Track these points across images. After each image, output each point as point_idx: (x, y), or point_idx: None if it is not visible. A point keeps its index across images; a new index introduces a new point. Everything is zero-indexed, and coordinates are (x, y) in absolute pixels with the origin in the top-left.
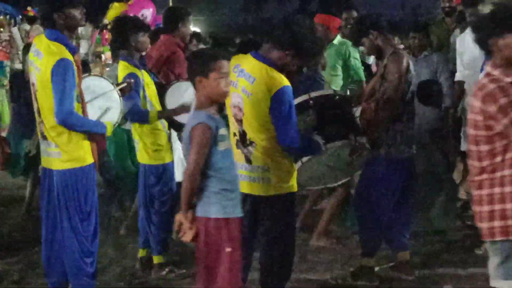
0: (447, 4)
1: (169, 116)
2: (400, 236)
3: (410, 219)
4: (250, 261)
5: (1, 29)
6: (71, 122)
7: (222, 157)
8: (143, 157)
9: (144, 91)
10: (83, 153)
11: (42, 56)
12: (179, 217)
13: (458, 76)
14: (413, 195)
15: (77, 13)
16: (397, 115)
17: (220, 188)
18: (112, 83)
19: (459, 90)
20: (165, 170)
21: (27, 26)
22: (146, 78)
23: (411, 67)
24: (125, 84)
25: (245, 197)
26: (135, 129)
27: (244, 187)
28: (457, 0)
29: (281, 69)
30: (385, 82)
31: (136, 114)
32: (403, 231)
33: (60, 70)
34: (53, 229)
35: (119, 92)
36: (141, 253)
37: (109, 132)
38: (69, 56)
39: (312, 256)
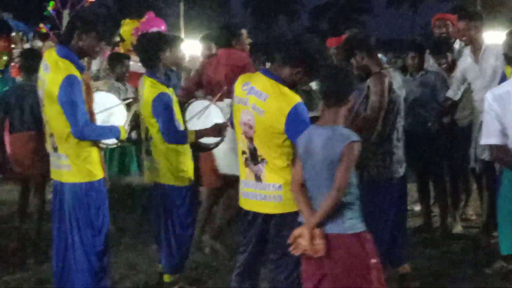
0: (443, 30)
1: (204, 136)
2: (400, 251)
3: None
4: (258, 279)
5: (14, 46)
6: (89, 133)
7: (354, 172)
8: (166, 177)
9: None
10: (92, 168)
11: (49, 72)
12: (304, 231)
13: (450, 93)
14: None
15: (95, 42)
16: (385, 135)
17: (357, 202)
18: (119, 98)
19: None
20: (189, 192)
21: (39, 43)
22: (173, 97)
23: (395, 86)
24: (130, 100)
25: (256, 216)
26: (156, 147)
27: (254, 206)
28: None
29: (291, 86)
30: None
31: (176, 134)
32: (403, 247)
33: (67, 87)
34: (63, 243)
35: (125, 106)
36: (160, 268)
37: (123, 136)
38: (76, 73)
39: None
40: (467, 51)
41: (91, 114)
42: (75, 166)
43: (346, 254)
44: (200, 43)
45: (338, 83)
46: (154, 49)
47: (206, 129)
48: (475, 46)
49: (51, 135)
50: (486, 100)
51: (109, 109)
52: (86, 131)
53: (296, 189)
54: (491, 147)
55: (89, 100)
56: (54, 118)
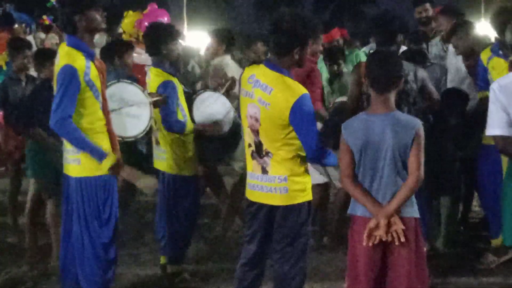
0: (424, 15)
1: (202, 131)
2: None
3: None
4: (263, 270)
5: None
6: (62, 130)
7: None
8: (171, 167)
9: (178, 99)
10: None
11: (58, 62)
12: (380, 221)
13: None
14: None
15: (98, 15)
16: None
17: None
18: (144, 92)
19: None
20: (193, 182)
21: (42, 35)
22: (179, 86)
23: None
24: (159, 98)
25: (260, 207)
26: (163, 137)
27: (260, 197)
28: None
29: (300, 65)
30: None
31: (175, 123)
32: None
33: (61, 76)
34: (70, 235)
35: (152, 105)
36: (162, 260)
37: (104, 166)
38: (79, 63)
39: (325, 266)
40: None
41: (105, 100)
42: (85, 160)
43: (414, 237)
44: (212, 38)
45: (388, 69)
46: (158, 39)
47: (205, 124)
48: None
49: None
50: (492, 90)
51: (137, 104)
52: (60, 126)
53: (351, 181)
54: (496, 138)
55: (103, 87)
56: None
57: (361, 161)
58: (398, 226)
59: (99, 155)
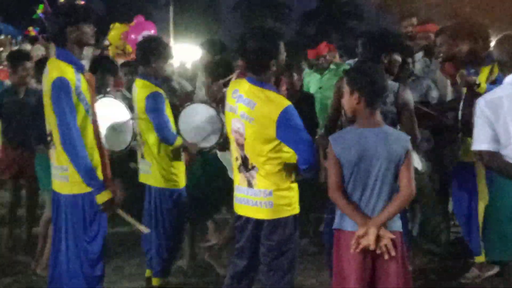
0: (410, 29)
1: (185, 149)
2: None
3: None
4: (252, 282)
5: (2, 49)
6: (68, 147)
7: None
8: (157, 180)
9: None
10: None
11: (47, 75)
12: (370, 231)
13: None
14: None
15: (89, 29)
16: None
17: None
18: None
19: None
20: (181, 195)
21: (28, 46)
22: (166, 98)
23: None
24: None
25: (248, 221)
26: (148, 151)
27: (246, 211)
28: (420, 28)
29: (279, 76)
30: None
31: (167, 132)
32: None
33: (55, 89)
34: (58, 250)
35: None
36: (148, 273)
37: (100, 200)
38: (70, 75)
39: (310, 278)
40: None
41: (95, 114)
42: (73, 177)
43: (401, 251)
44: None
45: (381, 85)
46: (152, 51)
47: (192, 143)
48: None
49: (53, 144)
50: (478, 106)
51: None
52: (67, 133)
53: (340, 195)
54: (481, 153)
55: (93, 101)
56: (52, 125)
57: (353, 174)
58: (388, 238)
59: (90, 178)
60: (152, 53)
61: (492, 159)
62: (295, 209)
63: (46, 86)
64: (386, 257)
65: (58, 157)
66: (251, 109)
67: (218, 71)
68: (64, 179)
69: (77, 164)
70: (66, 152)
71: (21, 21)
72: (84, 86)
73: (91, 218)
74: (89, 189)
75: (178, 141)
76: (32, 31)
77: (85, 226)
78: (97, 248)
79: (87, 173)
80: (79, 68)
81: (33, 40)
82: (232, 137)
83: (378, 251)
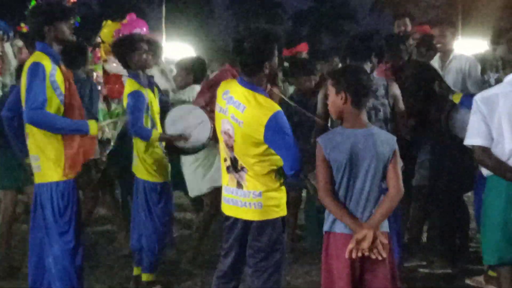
0: (402, 29)
1: (168, 140)
2: None
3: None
4: (239, 282)
5: None
6: (39, 119)
7: None
8: (141, 172)
9: (148, 109)
10: (60, 170)
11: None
12: (368, 234)
13: None
14: None
15: (66, 27)
16: None
17: None
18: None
19: None
20: (164, 189)
21: (19, 42)
22: (150, 97)
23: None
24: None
25: (236, 221)
26: (135, 144)
27: (235, 212)
28: (418, 28)
29: (271, 79)
30: None
31: (138, 129)
32: None
33: (28, 72)
34: (36, 243)
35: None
36: (135, 271)
37: (93, 131)
38: (45, 62)
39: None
40: (436, 56)
41: (72, 107)
42: (44, 166)
43: (390, 251)
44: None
45: (367, 85)
46: (123, 52)
47: (171, 136)
48: (446, 53)
49: (27, 135)
50: (474, 101)
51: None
52: (35, 115)
53: (330, 197)
54: (474, 148)
55: (71, 94)
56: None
57: (342, 176)
58: (382, 241)
59: (83, 125)
60: (123, 53)
61: (484, 154)
62: (283, 211)
63: (23, 73)
64: (379, 257)
65: (30, 145)
66: (240, 112)
67: (194, 69)
68: (37, 169)
69: (58, 129)
70: (42, 125)
71: (14, 17)
72: (59, 77)
73: (63, 208)
74: (57, 178)
75: (155, 135)
76: (24, 27)
77: (55, 216)
78: (71, 238)
79: (72, 124)
80: (55, 60)
81: (25, 36)
82: (221, 138)
83: (373, 255)
